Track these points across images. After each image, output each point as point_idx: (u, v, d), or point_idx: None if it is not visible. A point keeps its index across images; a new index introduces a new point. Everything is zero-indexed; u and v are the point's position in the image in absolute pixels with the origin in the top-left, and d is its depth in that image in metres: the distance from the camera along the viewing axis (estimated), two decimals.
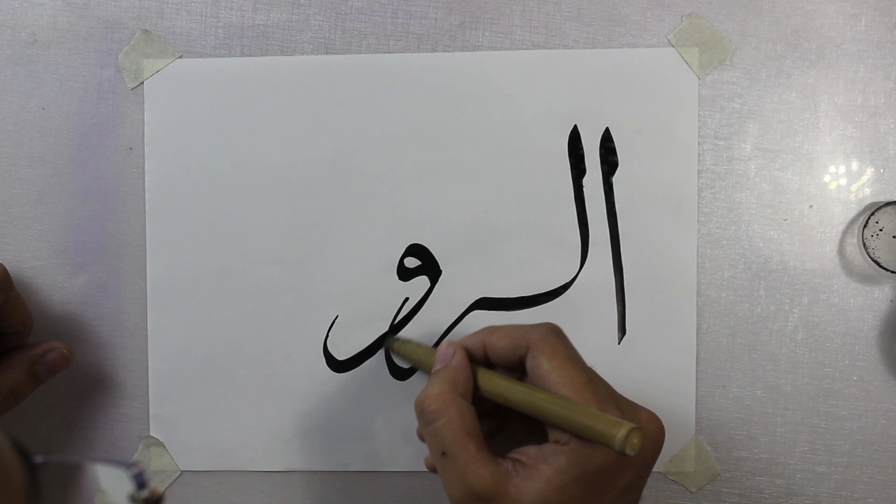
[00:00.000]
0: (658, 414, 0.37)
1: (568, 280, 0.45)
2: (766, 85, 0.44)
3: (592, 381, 0.35)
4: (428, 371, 0.39)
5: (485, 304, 0.45)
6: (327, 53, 0.45)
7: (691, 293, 0.44)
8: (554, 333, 0.36)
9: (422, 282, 0.45)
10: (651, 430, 0.35)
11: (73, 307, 0.46)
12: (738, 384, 0.44)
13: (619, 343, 0.44)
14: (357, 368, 0.45)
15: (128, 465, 0.27)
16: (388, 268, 0.45)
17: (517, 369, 0.37)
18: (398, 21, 0.45)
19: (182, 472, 0.46)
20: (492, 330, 0.38)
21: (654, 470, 0.44)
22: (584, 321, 0.44)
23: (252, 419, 0.45)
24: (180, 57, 0.45)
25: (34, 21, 0.46)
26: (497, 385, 0.36)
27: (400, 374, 0.45)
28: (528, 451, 0.34)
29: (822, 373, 0.44)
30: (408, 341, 0.43)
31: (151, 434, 0.45)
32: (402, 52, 0.45)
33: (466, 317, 0.45)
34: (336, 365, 0.45)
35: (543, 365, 0.35)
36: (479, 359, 0.38)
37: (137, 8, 0.45)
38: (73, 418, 0.46)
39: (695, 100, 0.44)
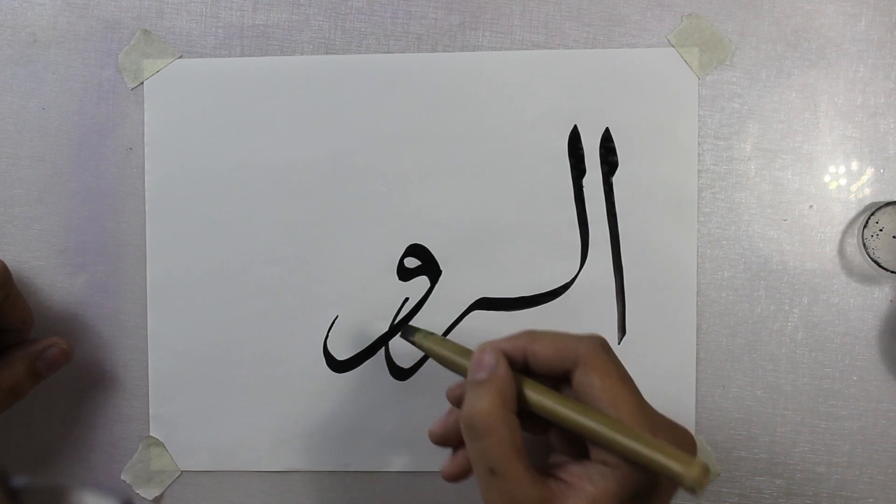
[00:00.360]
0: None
1: (568, 280, 0.45)
2: (766, 85, 0.44)
3: (641, 403, 0.33)
4: (457, 371, 0.37)
5: (485, 304, 0.45)
6: (327, 53, 0.45)
7: (691, 293, 0.44)
8: (604, 349, 0.34)
9: (422, 282, 0.45)
10: (689, 448, 0.34)
11: (73, 307, 0.46)
12: (738, 384, 0.44)
13: (619, 343, 0.44)
14: (357, 368, 0.45)
15: (115, 494, 0.27)
16: (388, 268, 0.45)
17: (556, 378, 0.35)
18: (398, 21, 0.45)
19: (182, 472, 0.46)
20: (533, 337, 0.35)
21: None
22: (584, 321, 0.44)
23: (252, 419, 0.45)
24: (180, 57, 0.45)
25: (34, 21, 0.46)
26: (547, 402, 0.34)
27: (400, 374, 0.45)
28: (572, 470, 0.33)
29: (822, 373, 0.44)
30: (431, 334, 0.40)
31: (151, 434, 0.45)
32: (402, 52, 0.45)
33: (466, 317, 0.45)
34: (336, 365, 0.45)
35: (595, 384, 0.33)
36: (516, 364, 0.36)
37: (137, 8, 0.45)
38: (74, 418, 0.46)
39: (695, 100, 0.44)
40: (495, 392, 0.34)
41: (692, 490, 0.30)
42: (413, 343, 0.40)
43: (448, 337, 0.45)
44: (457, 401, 0.37)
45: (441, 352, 0.39)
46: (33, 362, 0.42)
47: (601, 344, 0.35)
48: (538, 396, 0.34)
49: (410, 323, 0.45)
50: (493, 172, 0.45)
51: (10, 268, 0.41)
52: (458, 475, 0.36)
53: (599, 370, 0.33)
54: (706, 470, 0.30)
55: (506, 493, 0.32)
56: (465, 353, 0.37)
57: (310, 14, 0.45)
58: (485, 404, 0.33)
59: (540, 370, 0.35)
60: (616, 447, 0.32)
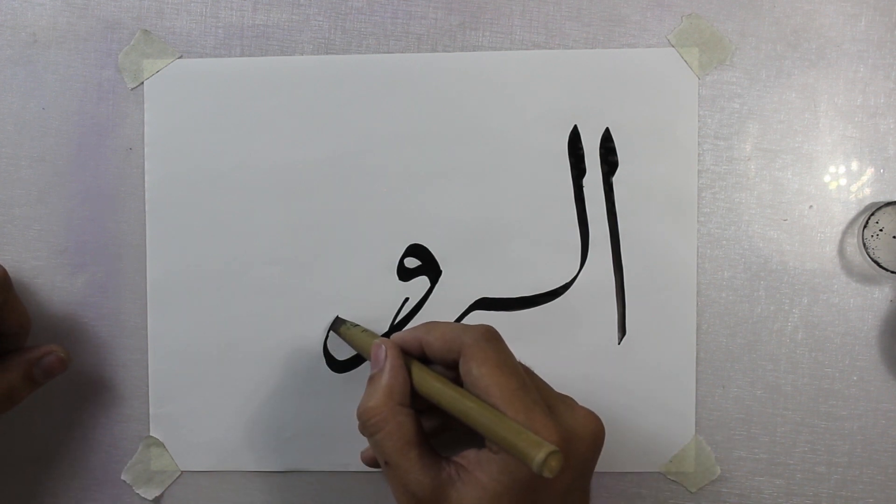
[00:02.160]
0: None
1: (568, 280, 0.45)
2: (766, 85, 0.44)
3: (523, 386, 0.34)
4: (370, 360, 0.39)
5: (485, 304, 0.45)
6: (327, 53, 0.45)
7: (691, 293, 0.44)
8: (486, 338, 0.35)
9: (422, 282, 0.45)
10: (588, 430, 0.35)
11: (73, 308, 0.46)
12: (738, 384, 0.44)
13: (619, 343, 0.44)
14: (357, 368, 0.45)
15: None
16: (388, 268, 0.45)
17: (455, 368, 0.36)
18: (398, 21, 0.45)
19: (182, 472, 0.46)
20: (429, 328, 0.37)
21: (654, 470, 0.44)
22: (584, 321, 0.44)
23: (252, 419, 0.45)
24: (180, 57, 0.45)
25: (34, 21, 0.46)
26: (430, 387, 0.35)
27: None
28: (469, 455, 0.34)
29: (822, 373, 0.44)
30: (356, 325, 0.42)
31: (151, 434, 0.45)
32: (402, 52, 0.45)
33: (467, 317, 0.45)
34: (336, 365, 0.45)
35: (473, 371, 0.34)
36: (416, 353, 0.37)
37: (137, 8, 0.45)
38: (73, 419, 0.46)
39: (695, 100, 0.44)
40: (381, 387, 0.36)
41: (540, 472, 0.30)
42: (338, 335, 0.42)
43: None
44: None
45: (357, 343, 0.41)
46: (30, 368, 0.42)
47: (484, 333, 0.35)
48: (424, 383, 0.36)
49: (339, 315, 0.45)
50: (493, 172, 0.45)
51: (9, 269, 0.41)
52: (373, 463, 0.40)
53: (478, 358, 0.34)
54: (553, 455, 0.30)
55: (401, 481, 0.34)
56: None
57: (310, 14, 0.45)
58: (371, 401, 0.35)
59: (435, 360, 0.37)
60: (481, 430, 0.33)
